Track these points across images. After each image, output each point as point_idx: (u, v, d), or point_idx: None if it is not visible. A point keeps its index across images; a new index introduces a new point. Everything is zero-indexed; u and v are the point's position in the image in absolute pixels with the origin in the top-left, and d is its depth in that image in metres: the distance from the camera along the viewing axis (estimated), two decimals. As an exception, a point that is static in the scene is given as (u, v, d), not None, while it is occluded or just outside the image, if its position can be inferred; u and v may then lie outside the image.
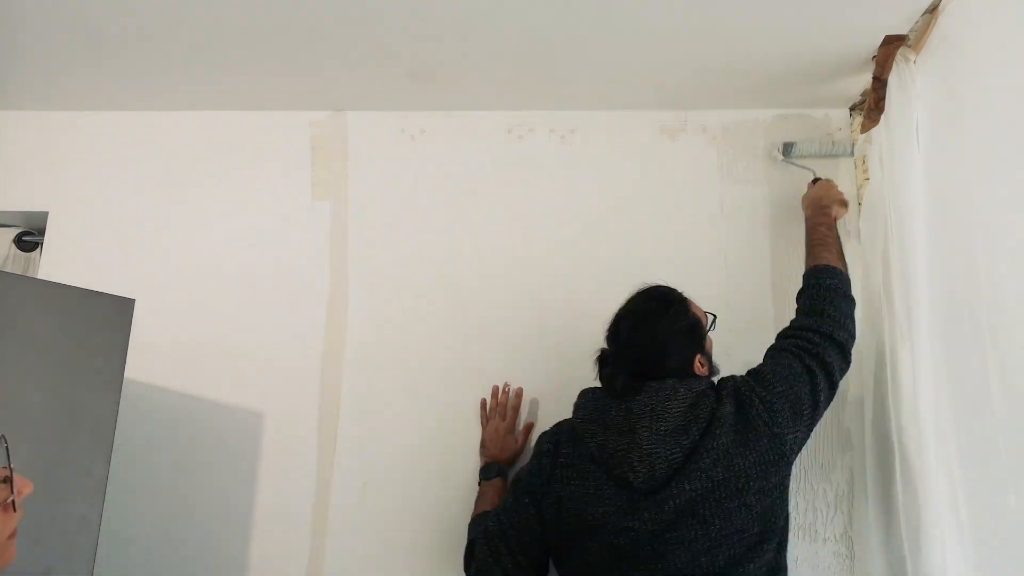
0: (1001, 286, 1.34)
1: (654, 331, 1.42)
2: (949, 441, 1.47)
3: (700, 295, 1.87)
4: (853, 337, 1.49)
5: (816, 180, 1.85)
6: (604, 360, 1.47)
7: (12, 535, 0.93)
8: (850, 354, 1.47)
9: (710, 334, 1.52)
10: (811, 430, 1.39)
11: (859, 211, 1.91)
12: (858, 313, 1.84)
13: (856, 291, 1.86)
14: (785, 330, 1.51)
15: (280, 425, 1.91)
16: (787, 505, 1.37)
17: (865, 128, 1.81)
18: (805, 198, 1.81)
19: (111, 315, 1.46)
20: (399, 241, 2.00)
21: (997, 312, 1.35)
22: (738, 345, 1.85)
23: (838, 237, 1.67)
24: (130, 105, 2.09)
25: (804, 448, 1.77)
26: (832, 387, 1.42)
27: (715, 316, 1.55)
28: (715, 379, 1.45)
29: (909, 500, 1.50)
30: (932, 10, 1.55)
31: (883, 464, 1.65)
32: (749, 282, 1.91)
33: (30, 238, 2.18)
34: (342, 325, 1.96)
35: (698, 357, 1.43)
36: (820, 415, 1.41)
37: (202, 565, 1.84)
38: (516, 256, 1.97)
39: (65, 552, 1.31)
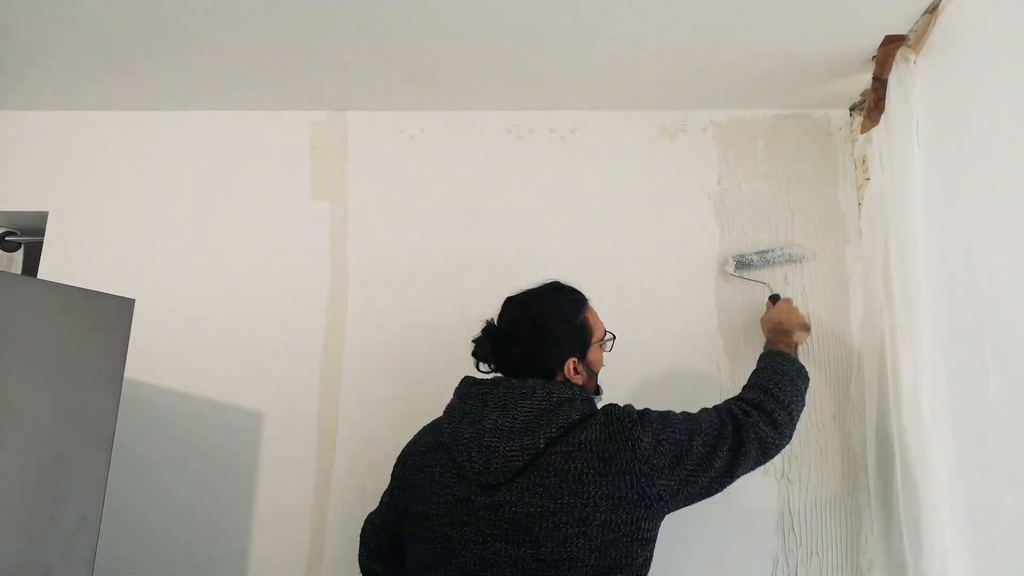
0: (1001, 286, 1.34)
1: (535, 314, 1.37)
2: (949, 441, 1.47)
3: (699, 295, 1.90)
4: (793, 423, 1.42)
5: (774, 297, 1.79)
6: (480, 340, 1.40)
7: None
8: (788, 435, 1.40)
9: (604, 354, 1.45)
10: (689, 490, 1.27)
11: (859, 211, 1.92)
12: (858, 313, 1.86)
13: (856, 291, 1.88)
14: (732, 397, 1.45)
15: (280, 425, 1.91)
16: (647, 548, 1.26)
17: (865, 128, 1.81)
18: (765, 319, 1.73)
19: (111, 315, 1.46)
20: (399, 241, 2.00)
21: (997, 312, 1.35)
22: (737, 345, 1.87)
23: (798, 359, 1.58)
24: (130, 105, 2.09)
25: (804, 447, 1.80)
26: (743, 463, 1.32)
27: (614, 336, 1.47)
28: (597, 400, 1.37)
29: (909, 500, 1.50)
30: (932, 10, 1.55)
31: (884, 464, 1.66)
32: (748, 282, 1.90)
33: (13, 238, 2.16)
34: (342, 325, 1.96)
35: (572, 361, 1.34)
36: (709, 483, 1.29)
37: (202, 565, 1.84)
38: (516, 256, 1.96)
39: (65, 552, 1.31)
